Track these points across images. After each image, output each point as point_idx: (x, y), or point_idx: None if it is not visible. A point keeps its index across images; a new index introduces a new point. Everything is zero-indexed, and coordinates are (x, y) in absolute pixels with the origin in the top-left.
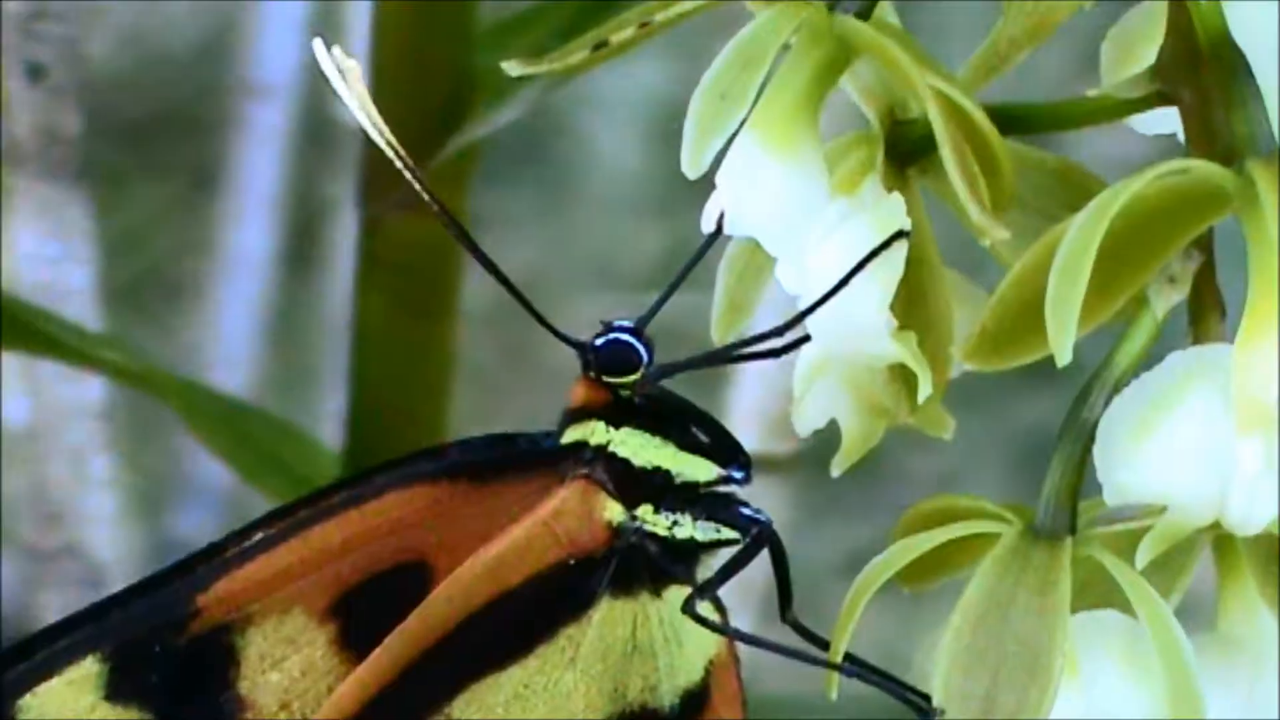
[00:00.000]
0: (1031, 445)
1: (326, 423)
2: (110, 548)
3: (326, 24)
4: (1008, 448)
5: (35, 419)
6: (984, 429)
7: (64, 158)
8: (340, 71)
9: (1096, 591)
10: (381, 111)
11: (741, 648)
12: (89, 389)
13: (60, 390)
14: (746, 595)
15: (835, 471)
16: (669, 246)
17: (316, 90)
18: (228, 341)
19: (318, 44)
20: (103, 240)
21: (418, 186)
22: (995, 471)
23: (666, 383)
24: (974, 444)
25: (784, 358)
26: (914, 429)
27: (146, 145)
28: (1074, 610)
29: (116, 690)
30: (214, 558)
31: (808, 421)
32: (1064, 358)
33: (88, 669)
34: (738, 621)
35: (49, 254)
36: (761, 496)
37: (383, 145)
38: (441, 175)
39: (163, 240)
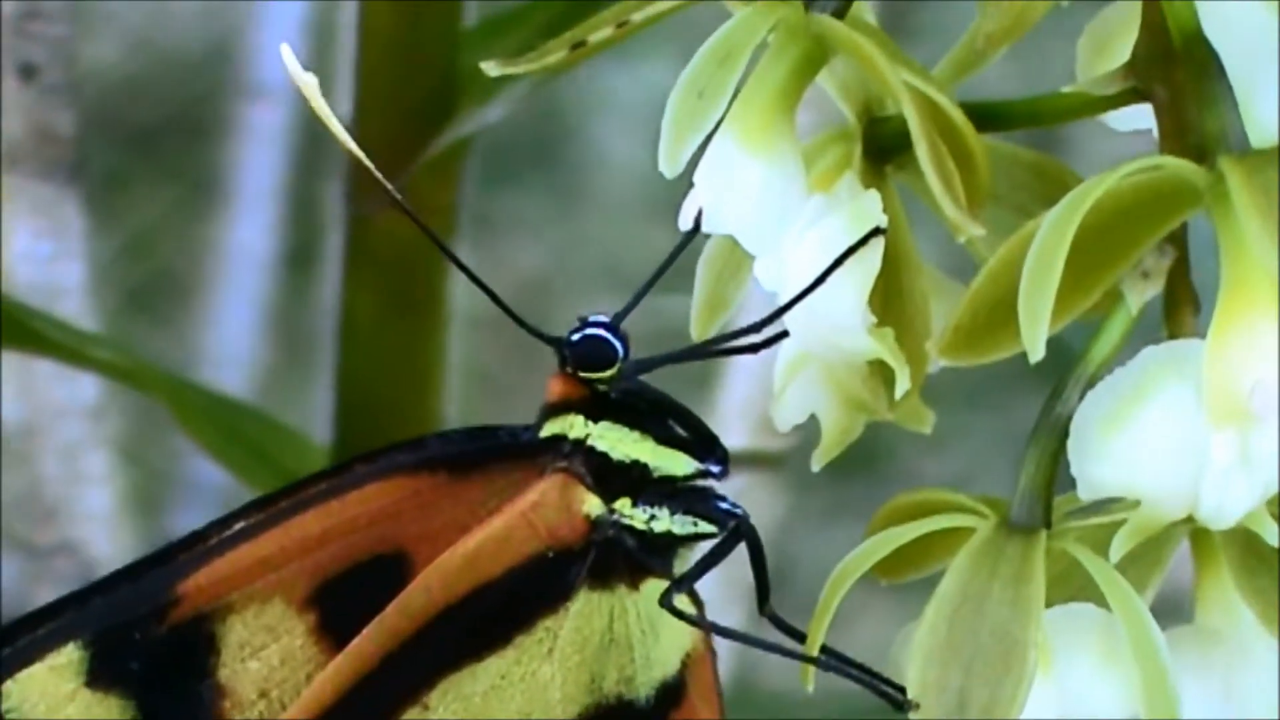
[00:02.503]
0: None
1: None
2: (107, 545)
3: (327, 25)
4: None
5: (31, 416)
6: (994, 429)
7: (58, 157)
8: (302, 84)
9: (1072, 585)
10: (368, 110)
11: (729, 643)
12: (85, 386)
13: (56, 387)
14: (733, 590)
15: (815, 466)
16: None
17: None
18: (233, 340)
19: (286, 52)
20: (108, 241)
21: (390, 189)
22: (1008, 472)
23: (656, 380)
24: (985, 444)
25: (770, 353)
26: (923, 430)
27: (150, 147)
28: (1049, 604)
29: (97, 677)
30: (195, 546)
31: (787, 416)
32: (1036, 353)
33: (69, 655)
34: (726, 617)
35: (43, 253)
36: (753, 491)
37: (353, 149)
38: (429, 173)
39: (168, 241)
